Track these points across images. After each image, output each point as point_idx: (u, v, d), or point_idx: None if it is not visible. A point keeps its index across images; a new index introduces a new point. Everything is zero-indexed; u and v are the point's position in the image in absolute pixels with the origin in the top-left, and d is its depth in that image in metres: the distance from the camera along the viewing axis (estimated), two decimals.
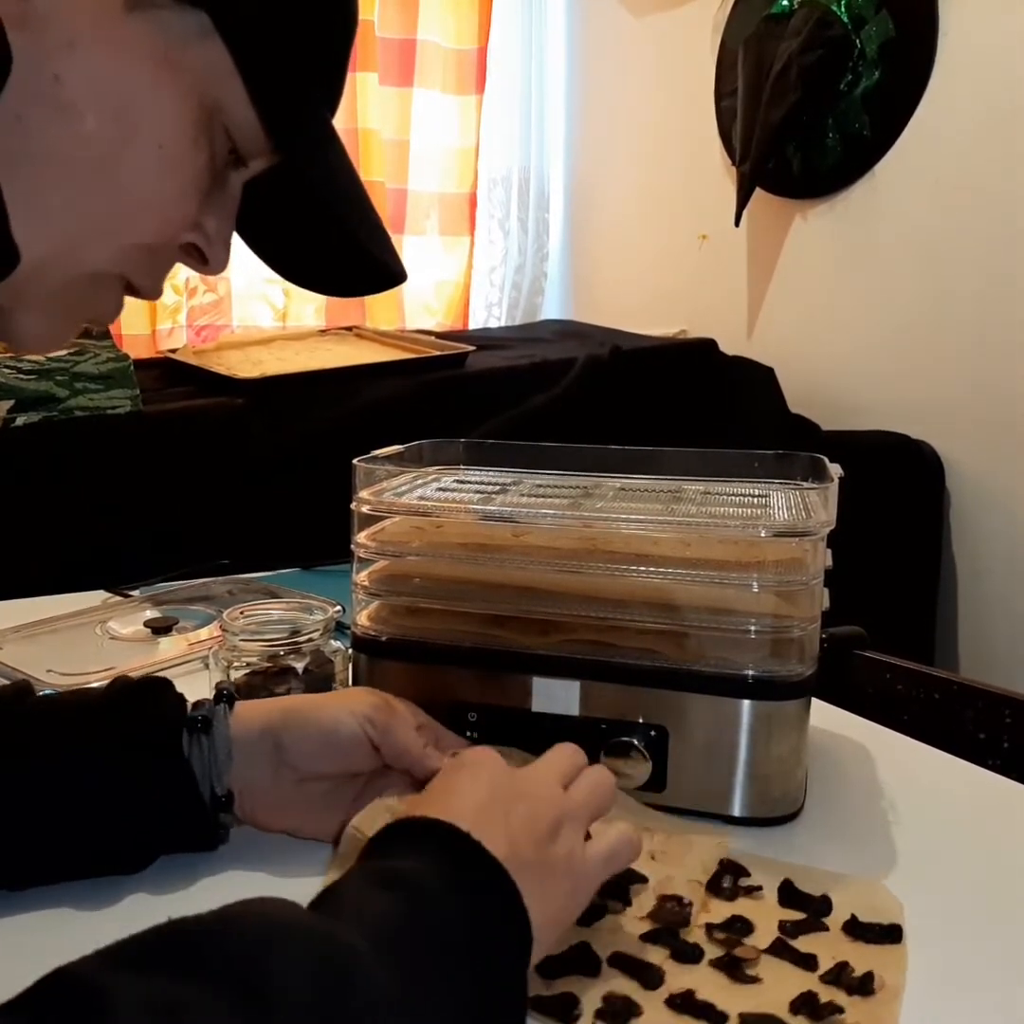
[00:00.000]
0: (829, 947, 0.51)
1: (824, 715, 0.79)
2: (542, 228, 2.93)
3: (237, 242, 0.55)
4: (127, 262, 0.49)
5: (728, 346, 2.07)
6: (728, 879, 0.57)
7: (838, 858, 0.61)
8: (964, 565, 1.93)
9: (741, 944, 0.51)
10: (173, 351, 1.98)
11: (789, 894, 0.56)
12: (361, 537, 0.71)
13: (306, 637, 0.69)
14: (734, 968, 0.49)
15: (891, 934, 0.52)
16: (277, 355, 1.91)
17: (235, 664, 0.68)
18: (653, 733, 0.64)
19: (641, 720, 0.65)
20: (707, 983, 0.48)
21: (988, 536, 1.88)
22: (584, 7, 2.85)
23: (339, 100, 0.53)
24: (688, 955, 0.50)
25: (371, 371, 1.81)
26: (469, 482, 0.80)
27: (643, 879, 0.55)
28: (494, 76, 2.81)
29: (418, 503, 0.73)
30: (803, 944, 0.51)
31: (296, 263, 0.56)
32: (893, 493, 1.87)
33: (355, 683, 0.71)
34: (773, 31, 2.11)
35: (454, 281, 2.83)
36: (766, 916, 0.54)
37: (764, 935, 0.52)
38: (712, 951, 0.50)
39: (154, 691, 0.57)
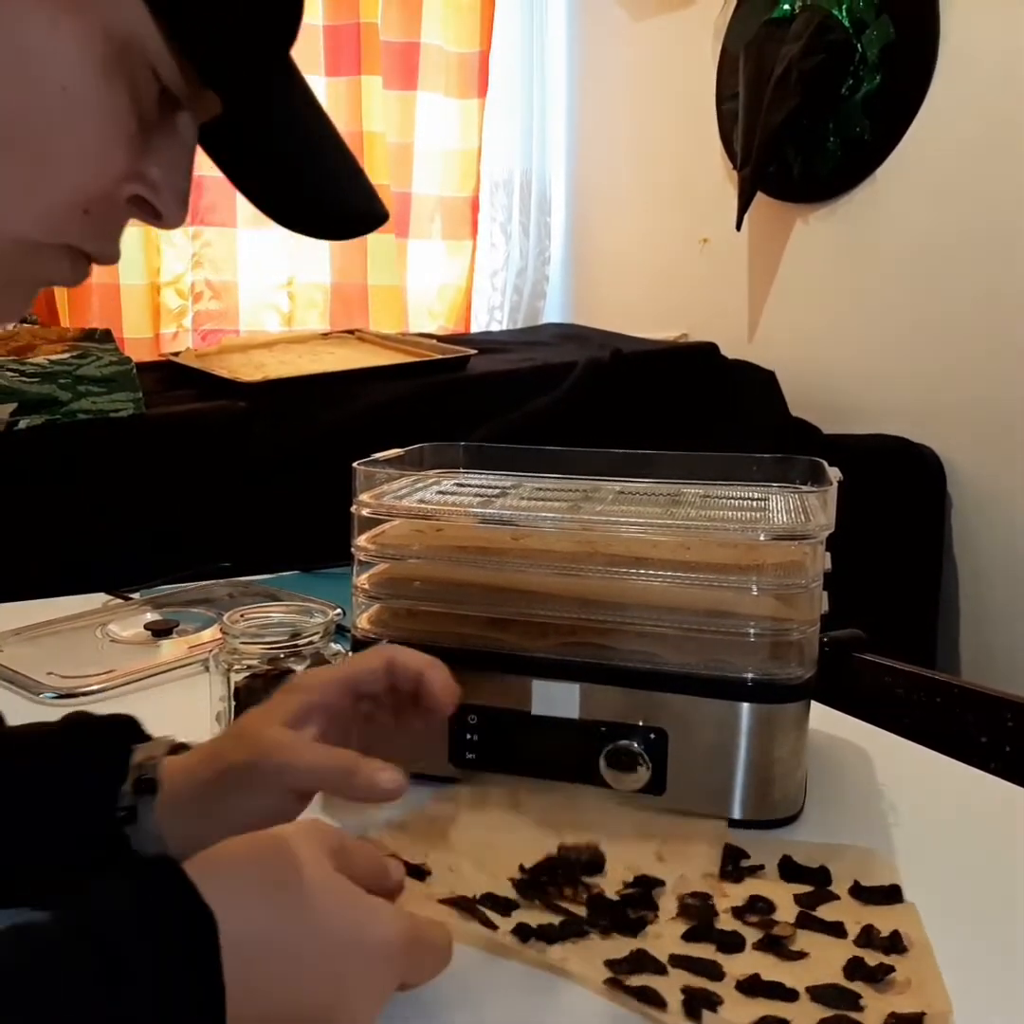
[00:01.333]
0: (847, 913, 0.54)
1: (824, 718, 0.79)
2: (544, 232, 2.94)
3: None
4: (60, 225, 0.44)
5: (729, 350, 2.07)
6: (731, 863, 0.59)
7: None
8: (965, 568, 1.93)
9: (774, 922, 0.53)
10: (175, 354, 1.98)
11: (789, 869, 0.58)
12: (361, 540, 0.72)
13: (306, 640, 0.69)
14: (777, 947, 0.51)
15: (893, 894, 0.56)
16: (279, 358, 1.91)
17: (235, 667, 0.68)
18: (653, 736, 0.64)
19: (641, 723, 0.65)
20: (761, 965, 0.49)
21: (989, 539, 1.88)
22: (585, 11, 2.85)
23: (295, 30, 0.47)
24: (733, 945, 0.51)
25: (372, 374, 1.81)
26: (469, 485, 0.80)
27: (661, 882, 0.56)
28: (496, 80, 2.81)
29: (418, 506, 0.73)
30: (823, 913, 0.54)
31: (276, 204, 0.51)
32: (894, 496, 1.87)
33: None
34: (774, 35, 2.12)
35: (456, 284, 2.83)
36: (778, 892, 0.56)
37: (785, 910, 0.54)
38: (751, 935, 0.52)
39: (106, 745, 0.56)
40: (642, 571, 0.66)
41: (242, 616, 0.71)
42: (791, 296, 2.26)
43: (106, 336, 1.62)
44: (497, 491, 0.78)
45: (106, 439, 1.49)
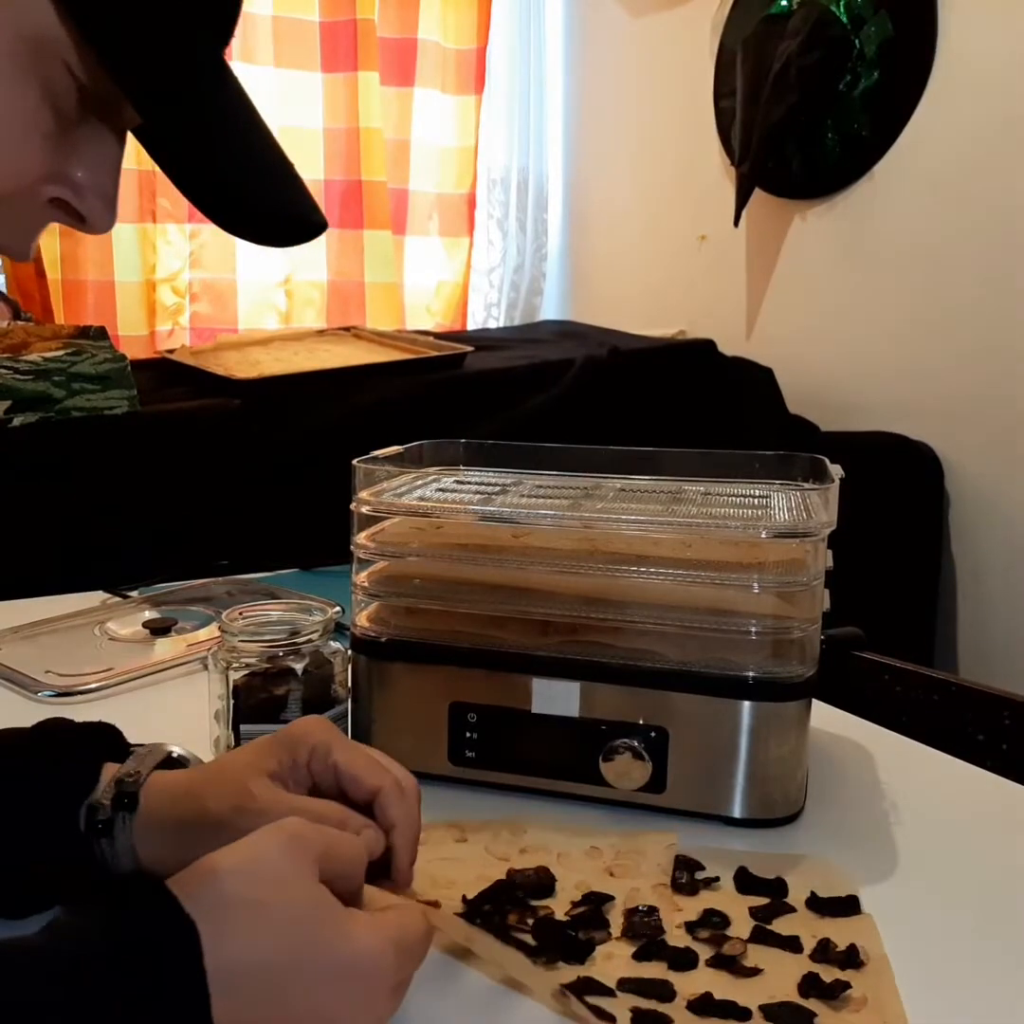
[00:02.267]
0: (802, 926, 0.53)
1: (824, 716, 0.79)
2: (541, 228, 2.94)
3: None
4: None
5: (727, 347, 2.07)
6: (685, 875, 0.58)
7: (838, 859, 0.61)
8: (963, 566, 1.93)
9: (726, 937, 0.52)
10: (171, 351, 1.98)
11: (745, 880, 0.57)
12: (361, 538, 0.71)
13: (305, 638, 0.69)
14: (730, 964, 0.50)
15: (850, 905, 0.55)
16: (275, 355, 1.91)
17: (234, 665, 0.68)
18: (653, 734, 0.64)
19: (641, 721, 0.64)
20: (714, 983, 0.48)
21: (987, 536, 1.88)
22: (582, 7, 2.85)
23: (229, 29, 0.45)
24: (685, 962, 0.50)
25: (369, 372, 1.81)
26: (469, 483, 0.80)
27: (611, 898, 0.55)
28: (493, 76, 2.81)
29: (418, 504, 0.73)
30: (779, 927, 0.53)
31: (212, 208, 0.49)
32: (892, 494, 1.87)
33: (354, 684, 0.71)
34: (772, 31, 2.11)
35: (453, 282, 2.83)
36: (733, 905, 0.55)
37: (740, 924, 0.53)
38: (704, 951, 0.51)
39: (75, 753, 0.55)
40: (643, 569, 0.66)
41: (241, 614, 0.71)
42: (789, 293, 2.26)
43: (101, 333, 1.61)
44: (497, 488, 0.77)
45: (101, 437, 1.49)
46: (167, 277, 2.43)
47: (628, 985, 0.48)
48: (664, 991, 0.48)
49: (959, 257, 1.88)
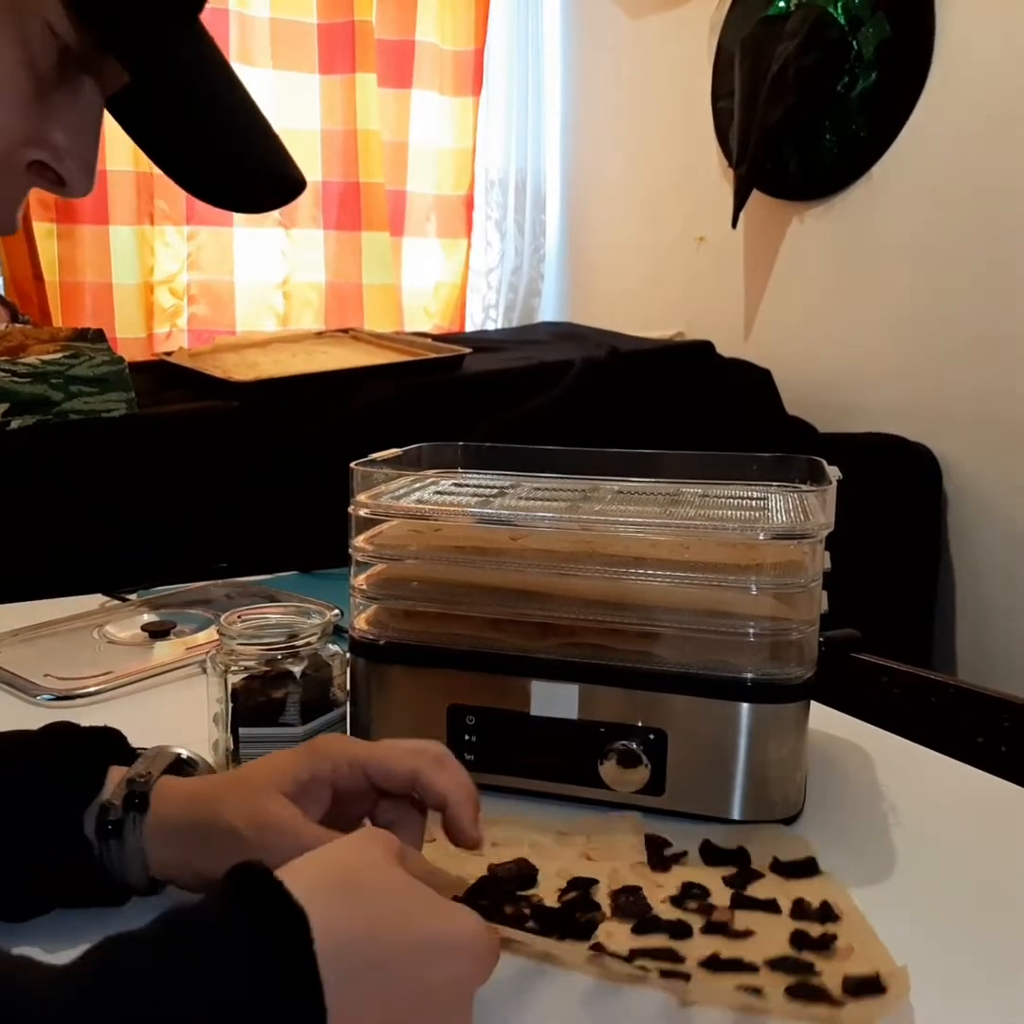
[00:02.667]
0: (775, 889, 0.56)
1: (822, 718, 0.79)
2: (539, 230, 2.94)
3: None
4: None
5: (725, 348, 2.07)
6: (655, 852, 0.60)
7: (837, 860, 0.61)
8: (962, 567, 1.93)
9: (713, 906, 0.55)
10: (168, 354, 1.97)
11: (710, 852, 0.60)
12: (359, 540, 0.71)
13: (304, 641, 0.69)
14: (723, 930, 0.52)
15: (810, 867, 0.59)
16: (273, 358, 1.91)
17: (232, 668, 0.68)
18: (652, 736, 0.64)
19: (640, 723, 0.64)
20: (714, 947, 0.50)
21: (986, 538, 1.88)
22: (580, 9, 2.85)
23: None
24: (683, 932, 0.52)
25: (367, 374, 1.81)
26: (467, 485, 0.80)
27: (595, 881, 0.57)
28: (491, 78, 2.81)
29: (416, 506, 0.73)
30: (754, 891, 0.56)
31: (190, 174, 0.49)
32: (890, 495, 1.87)
33: (353, 687, 0.71)
34: (770, 32, 2.12)
35: (451, 283, 2.83)
36: (706, 876, 0.58)
37: (718, 893, 0.56)
38: (695, 921, 0.53)
39: (82, 755, 0.55)
40: (641, 571, 0.66)
41: (239, 617, 0.71)
42: (787, 294, 2.26)
43: (98, 336, 1.61)
44: (495, 491, 0.77)
45: (99, 439, 1.49)
46: (165, 279, 2.43)
47: (639, 954, 0.49)
48: (674, 956, 0.50)
49: (957, 258, 1.88)
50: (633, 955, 0.49)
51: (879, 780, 0.73)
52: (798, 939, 0.51)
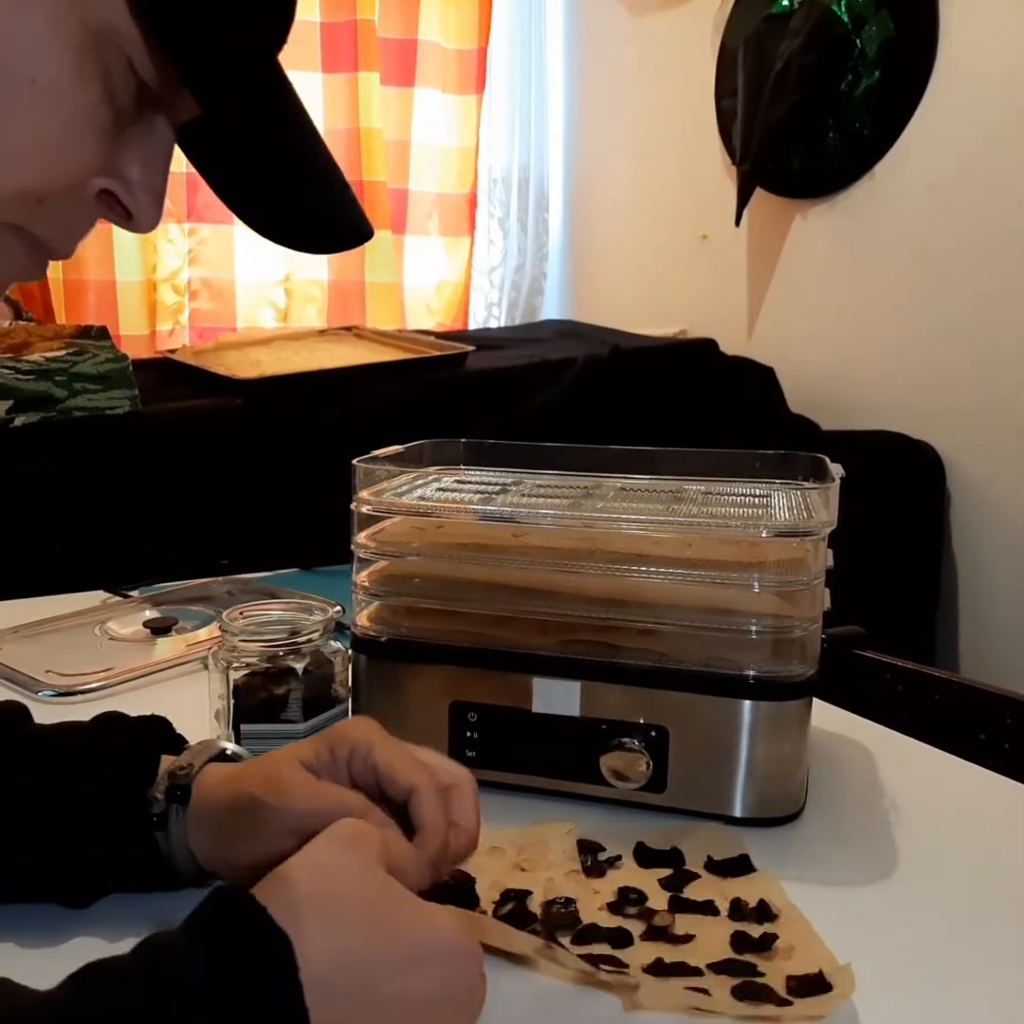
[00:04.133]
0: (711, 889, 0.56)
1: (824, 715, 0.79)
2: (542, 228, 2.93)
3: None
4: (15, 210, 0.42)
5: (728, 346, 2.07)
6: (589, 858, 0.59)
7: (839, 858, 0.61)
8: (965, 565, 1.93)
9: (653, 911, 0.54)
10: (172, 351, 1.98)
11: (644, 854, 0.60)
12: (361, 537, 0.71)
13: (306, 638, 0.69)
14: (664, 935, 0.52)
15: (744, 864, 0.59)
16: (276, 355, 1.91)
17: (234, 665, 0.68)
18: (654, 734, 0.64)
19: (642, 721, 0.64)
20: (655, 953, 0.50)
21: (989, 536, 1.88)
22: (583, 7, 2.85)
23: (284, 34, 0.45)
24: (623, 940, 0.52)
25: (370, 371, 1.81)
26: (469, 482, 0.80)
27: (529, 892, 0.56)
28: (494, 76, 2.81)
29: (418, 503, 0.73)
30: (690, 893, 0.56)
31: (256, 213, 0.49)
32: (893, 493, 1.87)
33: (355, 684, 0.71)
34: (773, 30, 2.11)
35: (454, 281, 2.83)
36: (642, 879, 0.57)
37: (656, 896, 0.56)
38: (635, 927, 0.53)
39: (135, 745, 0.56)
40: (643, 568, 0.66)
41: (241, 614, 0.71)
42: (790, 292, 2.26)
43: (102, 333, 1.61)
44: (498, 488, 0.77)
45: (102, 437, 1.49)
46: (167, 276, 2.43)
47: (584, 959, 0.49)
48: (617, 962, 0.49)
49: (960, 256, 1.88)
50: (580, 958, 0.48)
51: (881, 777, 0.72)
52: (739, 941, 0.51)
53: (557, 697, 0.66)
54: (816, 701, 0.68)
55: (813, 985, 0.47)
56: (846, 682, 1.06)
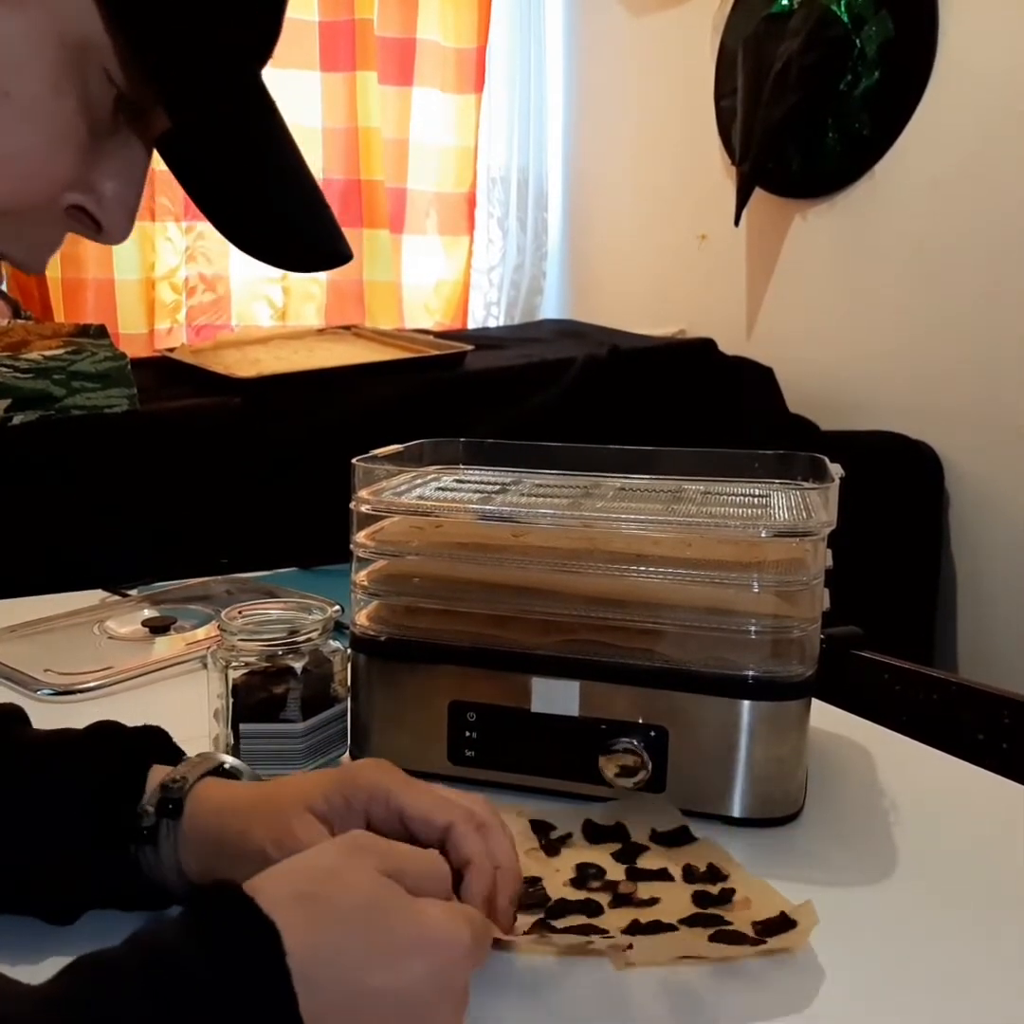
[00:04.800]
0: (661, 859, 0.59)
1: (823, 715, 0.79)
2: (541, 227, 2.93)
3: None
4: None
5: (727, 346, 2.07)
6: (543, 837, 0.61)
7: (838, 858, 0.61)
8: (963, 565, 1.93)
9: (614, 882, 0.56)
10: (171, 350, 1.97)
11: (592, 830, 0.62)
12: (360, 537, 0.71)
13: (305, 637, 0.69)
14: (630, 901, 0.54)
15: (684, 834, 0.61)
16: (275, 354, 1.90)
17: (233, 664, 0.68)
18: (653, 734, 0.64)
19: (641, 721, 0.64)
20: (628, 917, 0.52)
21: (987, 536, 1.88)
22: (583, 6, 2.84)
23: (268, 48, 0.44)
24: (594, 909, 0.54)
25: (369, 370, 1.81)
26: (469, 482, 0.80)
27: None
28: (493, 75, 2.81)
29: (417, 503, 0.73)
30: (644, 863, 0.59)
31: (233, 228, 0.49)
32: (892, 493, 1.87)
33: (354, 683, 0.71)
34: (773, 31, 2.11)
35: (453, 280, 2.83)
36: (596, 854, 0.59)
37: (613, 869, 0.58)
38: (602, 898, 0.55)
39: (126, 757, 0.54)
40: (643, 568, 0.66)
41: (240, 613, 0.71)
42: (789, 292, 2.26)
43: (101, 332, 1.61)
44: (497, 487, 0.77)
45: (101, 435, 1.49)
46: (165, 273, 2.43)
47: (574, 932, 0.51)
48: (595, 930, 0.51)
49: (960, 256, 1.88)
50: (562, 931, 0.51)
51: (880, 777, 0.72)
52: (700, 898, 0.54)
53: (556, 697, 0.66)
54: (815, 701, 0.68)
55: (778, 925, 0.51)
56: (845, 682, 1.07)
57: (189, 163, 0.47)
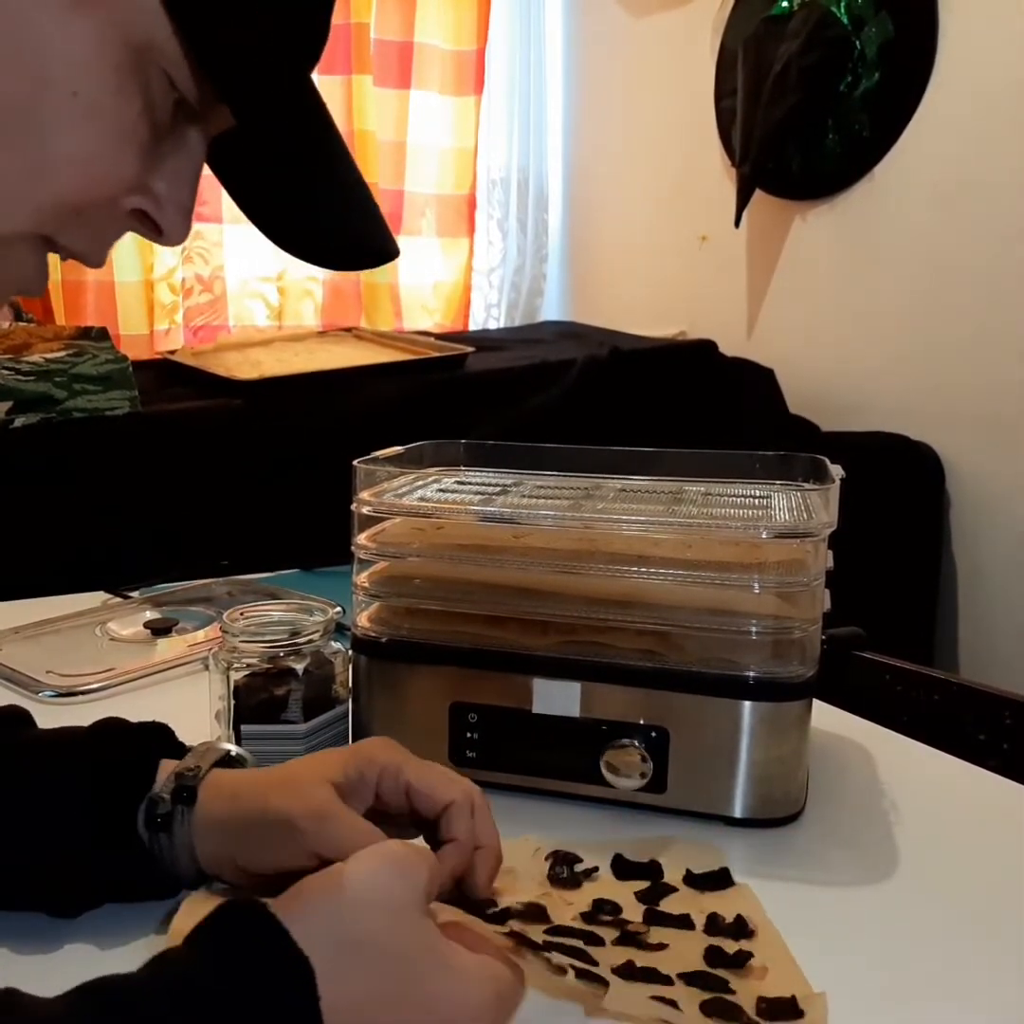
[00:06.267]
0: (688, 903, 0.55)
1: (824, 716, 0.79)
2: (541, 229, 2.94)
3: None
4: (49, 221, 0.43)
5: (728, 347, 2.07)
6: (565, 869, 0.58)
7: (839, 858, 0.61)
8: (964, 566, 1.93)
9: (626, 921, 0.52)
10: (172, 352, 1.98)
11: (622, 867, 0.58)
12: (361, 538, 0.71)
13: (306, 638, 0.69)
14: (636, 941, 0.50)
15: (724, 878, 0.57)
16: (276, 356, 1.91)
17: (235, 665, 0.68)
18: (654, 735, 0.64)
19: (642, 721, 0.64)
20: (627, 957, 0.48)
21: (988, 537, 1.88)
22: (582, 8, 2.85)
23: (320, 49, 0.45)
24: (596, 939, 0.50)
25: (370, 372, 1.81)
26: (470, 483, 0.80)
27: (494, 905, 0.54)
28: (493, 77, 2.81)
29: (418, 504, 0.73)
30: (667, 906, 0.55)
31: (281, 229, 0.50)
32: (893, 494, 1.87)
33: (355, 685, 0.71)
34: (773, 32, 2.11)
35: (453, 282, 2.83)
36: (618, 891, 0.56)
37: (631, 909, 0.54)
38: (608, 934, 0.51)
39: (133, 750, 0.55)
40: (643, 569, 0.66)
41: (241, 614, 0.71)
42: (790, 293, 2.26)
43: (102, 334, 1.61)
44: (498, 489, 0.77)
45: (102, 438, 1.49)
46: (164, 274, 2.43)
47: (553, 947, 0.47)
48: (587, 959, 0.47)
49: (960, 257, 1.88)
50: (548, 946, 0.46)
51: (881, 778, 0.73)
52: (712, 955, 0.50)
53: (557, 698, 0.66)
54: (816, 701, 0.68)
55: (784, 1010, 0.45)
56: (846, 683, 1.06)
57: (242, 164, 0.48)
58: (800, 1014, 0.45)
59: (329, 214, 0.50)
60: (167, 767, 0.54)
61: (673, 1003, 0.44)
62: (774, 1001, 0.46)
